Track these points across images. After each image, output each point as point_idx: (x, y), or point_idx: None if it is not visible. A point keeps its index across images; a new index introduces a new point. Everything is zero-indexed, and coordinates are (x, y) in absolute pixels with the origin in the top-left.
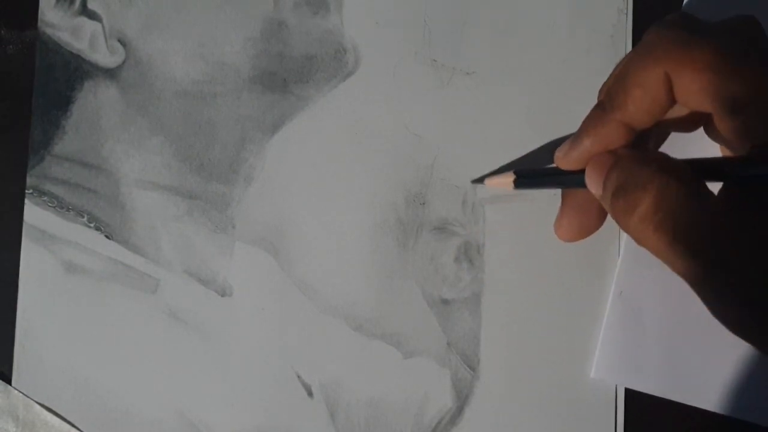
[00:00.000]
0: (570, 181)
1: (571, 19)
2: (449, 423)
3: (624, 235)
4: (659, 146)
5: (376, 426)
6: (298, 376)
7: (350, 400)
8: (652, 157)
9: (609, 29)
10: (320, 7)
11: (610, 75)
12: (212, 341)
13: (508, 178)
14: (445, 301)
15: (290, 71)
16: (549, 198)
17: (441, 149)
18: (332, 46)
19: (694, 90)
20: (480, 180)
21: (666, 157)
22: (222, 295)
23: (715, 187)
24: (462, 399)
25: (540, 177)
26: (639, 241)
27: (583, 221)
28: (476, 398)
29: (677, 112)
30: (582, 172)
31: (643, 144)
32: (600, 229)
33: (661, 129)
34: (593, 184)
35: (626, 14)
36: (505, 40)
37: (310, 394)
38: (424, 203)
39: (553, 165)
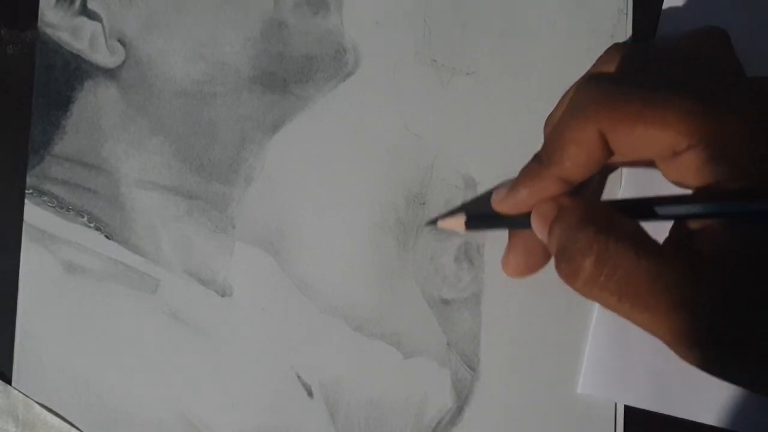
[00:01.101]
0: (518, 223)
1: (571, 19)
2: (449, 423)
3: None
4: (603, 183)
5: (376, 426)
6: (298, 376)
7: (350, 400)
8: (590, 214)
9: (609, 29)
10: (320, 7)
11: (546, 127)
12: (212, 341)
13: (460, 221)
14: (445, 301)
15: (290, 71)
16: None
17: (441, 149)
18: (332, 46)
19: (629, 143)
20: (433, 222)
21: (605, 214)
22: (222, 295)
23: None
24: (462, 399)
25: (490, 219)
26: (589, 299)
27: (529, 259)
28: (476, 398)
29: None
30: (525, 215)
31: (585, 187)
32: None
33: (605, 168)
34: (539, 231)
35: (626, 14)
36: (505, 40)
37: (310, 394)
38: (424, 203)
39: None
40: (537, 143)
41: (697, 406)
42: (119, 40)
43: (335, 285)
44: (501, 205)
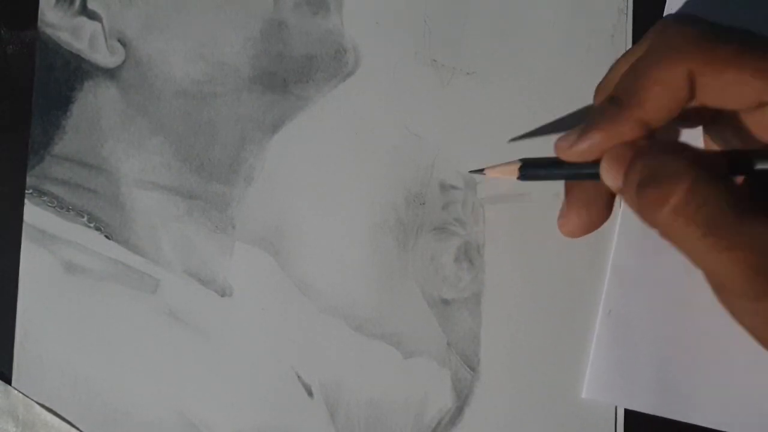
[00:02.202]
0: (580, 173)
1: (571, 19)
2: (449, 423)
3: (611, 255)
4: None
5: (376, 426)
6: (298, 376)
7: (350, 400)
8: (682, 146)
9: (609, 29)
10: (320, 7)
11: (612, 70)
12: (212, 341)
13: (513, 167)
14: (445, 301)
15: (290, 71)
16: (549, 198)
17: (441, 149)
18: (332, 46)
19: (717, 88)
20: (479, 171)
21: (696, 149)
22: (222, 295)
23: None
24: (462, 399)
25: (547, 168)
26: (666, 235)
27: (590, 216)
28: (476, 398)
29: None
30: (591, 164)
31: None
32: (598, 230)
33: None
34: (611, 177)
35: (626, 14)
36: (505, 40)
37: (310, 394)
38: (424, 203)
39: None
40: (537, 143)
41: (701, 411)
42: (119, 40)
43: (335, 285)
44: (569, 152)
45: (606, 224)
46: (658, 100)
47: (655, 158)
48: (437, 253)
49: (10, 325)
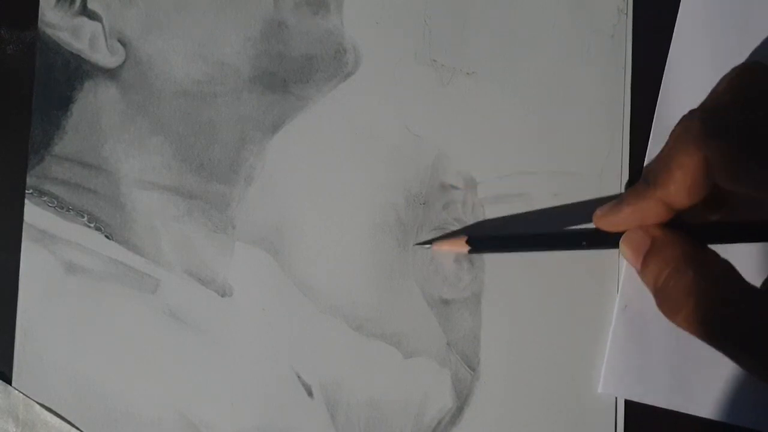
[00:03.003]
0: (531, 245)
1: (571, 19)
2: (449, 423)
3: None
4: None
5: (376, 426)
6: (298, 376)
7: (350, 400)
8: (687, 257)
9: (609, 29)
10: (320, 7)
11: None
12: (212, 341)
13: (460, 243)
14: (445, 301)
15: (290, 71)
16: (549, 198)
17: (441, 149)
18: (332, 46)
19: (732, 173)
20: (428, 243)
21: (699, 255)
22: (222, 295)
23: None
24: (462, 399)
25: (496, 242)
26: (688, 332)
27: (643, 223)
28: (476, 398)
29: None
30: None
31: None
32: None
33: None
34: (628, 257)
35: (626, 14)
36: (505, 40)
37: (310, 394)
38: (424, 203)
39: (509, 232)
40: (537, 143)
41: (717, 405)
42: (119, 40)
43: (335, 285)
44: (601, 220)
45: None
46: (679, 183)
47: (662, 270)
48: (437, 253)
49: (10, 325)
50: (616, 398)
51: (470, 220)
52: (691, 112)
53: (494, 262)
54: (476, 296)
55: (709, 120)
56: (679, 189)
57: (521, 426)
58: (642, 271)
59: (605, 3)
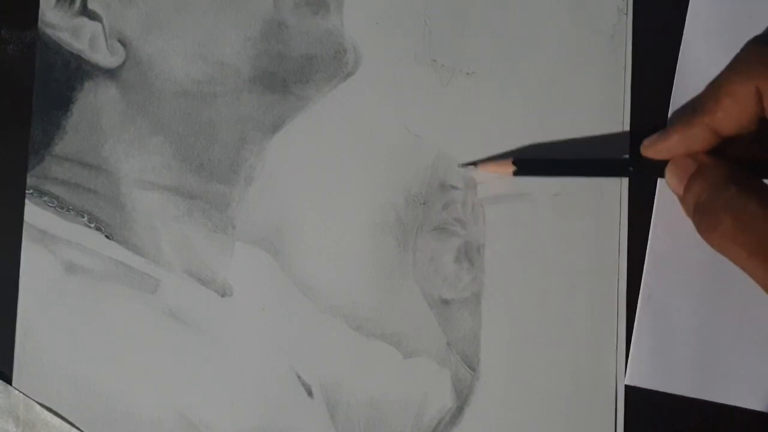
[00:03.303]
0: (574, 170)
1: (571, 19)
2: (449, 423)
3: (648, 241)
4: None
5: (376, 426)
6: (298, 376)
7: (350, 400)
8: (732, 174)
9: (609, 29)
10: (320, 7)
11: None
12: (212, 341)
13: (507, 164)
14: (445, 301)
15: (290, 71)
16: (549, 198)
17: (441, 149)
18: (332, 46)
19: None
20: (473, 164)
21: (744, 176)
22: (222, 295)
23: None
24: (462, 399)
25: (541, 165)
26: (718, 251)
27: (689, 150)
28: (476, 398)
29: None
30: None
31: (735, 145)
32: (599, 230)
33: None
34: (673, 183)
35: (626, 14)
36: (505, 40)
37: (310, 394)
38: (424, 203)
39: (554, 157)
40: (537, 143)
41: (742, 393)
42: (119, 41)
43: (335, 285)
44: (649, 149)
45: (607, 224)
46: (727, 110)
47: (707, 185)
48: (437, 253)
49: (10, 325)
50: (615, 398)
51: (470, 220)
52: (750, 41)
53: (494, 262)
54: (476, 296)
55: (760, 51)
56: (726, 116)
57: (521, 426)
58: (684, 195)
59: (605, 3)
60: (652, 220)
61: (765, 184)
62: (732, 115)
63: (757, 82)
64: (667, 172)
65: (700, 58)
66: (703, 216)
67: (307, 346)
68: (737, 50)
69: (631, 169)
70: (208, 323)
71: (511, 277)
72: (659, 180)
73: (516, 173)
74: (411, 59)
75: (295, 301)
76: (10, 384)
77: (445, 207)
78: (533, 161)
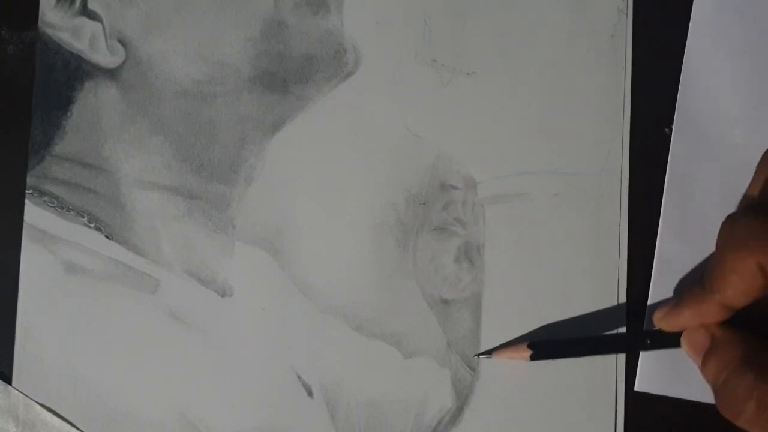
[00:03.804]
0: (590, 350)
1: (571, 19)
2: (449, 423)
3: (656, 247)
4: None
5: (376, 426)
6: (298, 376)
7: (350, 400)
8: (747, 357)
9: (609, 29)
10: (320, 7)
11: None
12: (212, 341)
13: (523, 353)
14: (445, 301)
15: (290, 71)
16: (549, 198)
17: (441, 149)
18: (332, 46)
19: None
20: (488, 353)
21: (759, 355)
22: (222, 296)
23: None
24: (462, 399)
25: (557, 348)
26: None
27: (702, 320)
28: (476, 398)
29: None
30: (605, 343)
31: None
32: (599, 230)
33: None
34: (691, 355)
35: (626, 14)
36: (505, 40)
37: (310, 394)
38: (424, 203)
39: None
40: (537, 143)
41: None
42: (119, 41)
43: (335, 285)
44: (662, 322)
45: (607, 224)
46: (735, 287)
47: (725, 366)
48: (437, 253)
49: (10, 325)
50: (615, 398)
51: (470, 220)
52: (732, 215)
53: (494, 262)
54: (476, 296)
55: (753, 224)
56: (736, 293)
57: (521, 426)
58: (702, 369)
59: (605, 3)
60: (659, 225)
61: None
62: (740, 290)
63: (757, 258)
64: (683, 344)
65: (705, 59)
66: (723, 401)
67: (307, 346)
68: (742, 53)
69: (648, 342)
70: (208, 323)
71: (511, 277)
72: None
73: (533, 358)
74: (411, 59)
75: (295, 301)
76: (10, 384)
77: (445, 207)
78: (548, 343)
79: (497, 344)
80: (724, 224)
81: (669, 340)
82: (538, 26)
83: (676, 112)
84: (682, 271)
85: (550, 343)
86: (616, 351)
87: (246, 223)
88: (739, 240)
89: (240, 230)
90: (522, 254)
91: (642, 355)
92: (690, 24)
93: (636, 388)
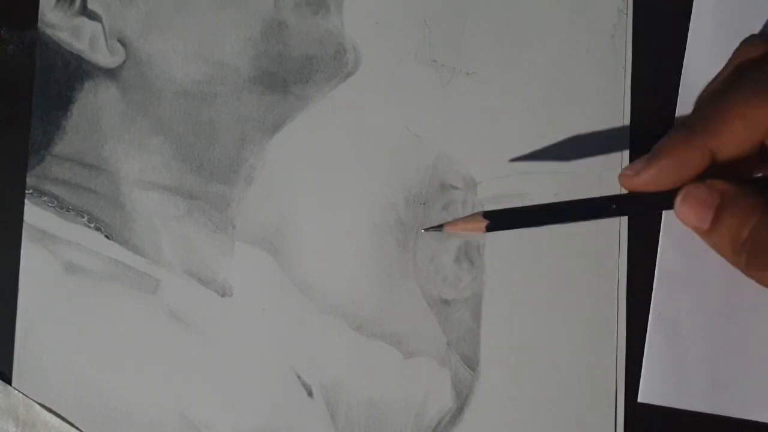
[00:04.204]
0: (554, 217)
1: (571, 19)
2: (449, 423)
3: (657, 257)
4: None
5: (376, 426)
6: (298, 376)
7: (350, 400)
8: (765, 201)
9: (609, 29)
10: (320, 7)
11: (700, 102)
12: (212, 341)
13: (478, 221)
14: (445, 301)
15: (290, 71)
16: (549, 198)
17: (441, 149)
18: (332, 46)
19: None
20: (438, 227)
21: None
22: (222, 296)
23: None
24: (462, 399)
25: (515, 216)
26: None
27: (681, 177)
28: (476, 398)
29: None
30: (554, 211)
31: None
32: (599, 230)
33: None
34: (693, 219)
35: (626, 14)
36: (505, 40)
37: (310, 394)
38: (424, 203)
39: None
40: (537, 143)
41: (757, 407)
42: (119, 41)
43: (335, 285)
44: (635, 180)
45: (607, 225)
46: (734, 133)
47: (747, 218)
48: (437, 253)
49: (10, 325)
50: (615, 398)
51: None
52: (752, 37)
53: (494, 262)
54: (476, 296)
55: None
56: (732, 139)
57: (521, 426)
58: (712, 230)
59: (605, 3)
60: (660, 236)
61: None
62: (738, 139)
63: None
64: (681, 206)
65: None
66: (754, 254)
67: (307, 346)
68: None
69: (614, 207)
70: (208, 323)
71: (511, 277)
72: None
73: (489, 229)
74: (411, 59)
75: (295, 301)
76: (10, 384)
77: (445, 207)
78: (505, 212)
79: (497, 344)
80: (739, 49)
81: (643, 204)
82: (538, 26)
83: (676, 112)
84: (684, 268)
85: (508, 211)
86: (580, 218)
87: (246, 223)
88: (762, 84)
89: (240, 230)
90: (522, 254)
91: (644, 366)
92: (690, 24)
93: (640, 400)
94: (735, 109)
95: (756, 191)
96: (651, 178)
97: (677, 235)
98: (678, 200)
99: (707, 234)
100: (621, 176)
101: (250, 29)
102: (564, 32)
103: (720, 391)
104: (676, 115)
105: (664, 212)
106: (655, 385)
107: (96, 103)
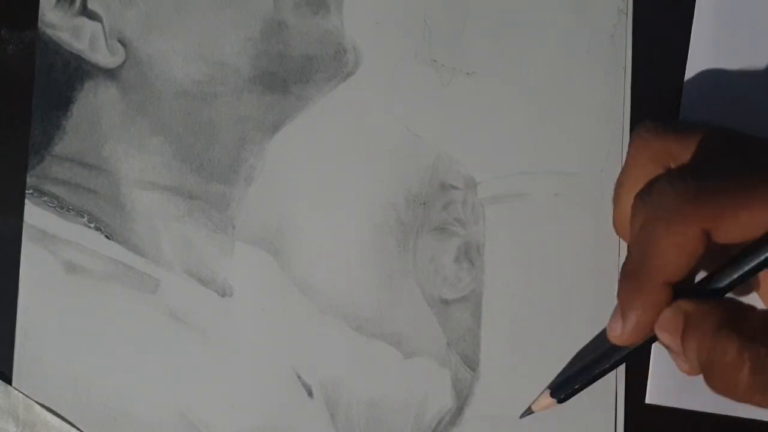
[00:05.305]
0: (607, 367)
1: (571, 19)
2: (449, 423)
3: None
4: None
5: (376, 426)
6: (298, 376)
7: (350, 400)
8: (726, 320)
9: (609, 29)
10: (320, 7)
11: (616, 204)
12: (212, 341)
13: (548, 400)
14: (445, 301)
15: (290, 71)
16: (549, 198)
17: (441, 149)
18: (332, 46)
19: (733, 232)
20: (527, 413)
21: (739, 315)
22: (222, 296)
23: None
24: (462, 399)
25: (577, 379)
26: (747, 403)
27: (654, 312)
28: (476, 398)
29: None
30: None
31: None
32: (599, 230)
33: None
34: (672, 344)
35: (626, 14)
36: (505, 40)
37: (310, 394)
38: (424, 203)
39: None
40: (537, 143)
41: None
42: (119, 41)
43: (335, 285)
44: (622, 338)
45: (607, 224)
46: (678, 261)
47: (704, 345)
48: (437, 253)
49: (10, 325)
50: (615, 398)
51: (470, 220)
52: (650, 187)
53: (494, 262)
54: (476, 296)
55: (690, 182)
56: (678, 268)
57: (521, 426)
58: (685, 354)
59: (605, 3)
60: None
61: (758, 311)
62: (684, 265)
63: (701, 223)
64: (659, 334)
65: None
66: (715, 376)
67: (307, 346)
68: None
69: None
70: (208, 323)
71: (511, 277)
72: None
73: (561, 401)
74: (411, 59)
75: (295, 301)
76: (10, 384)
77: (445, 207)
78: (565, 381)
79: (497, 344)
80: (639, 202)
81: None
82: (538, 26)
83: (679, 114)
84: None
85: (568, 378)
86: (620, 363)
87: (246, 223)
88: (674, 209)
89: (240, 230)
90: (522, 254)
91: (651, 367)
92: (693, 25)
93: (647, 401)
94: (664, 241)
95: (719, 304)
96: (634, 332)
97: None
98: (655, 329)
99: (683, 357)
100: (610, 338)
101: (250, 29)
102: (564, 32)
103: None
104: (678, 116)
105: None
106: (663, 386)
107: (96, 103)
